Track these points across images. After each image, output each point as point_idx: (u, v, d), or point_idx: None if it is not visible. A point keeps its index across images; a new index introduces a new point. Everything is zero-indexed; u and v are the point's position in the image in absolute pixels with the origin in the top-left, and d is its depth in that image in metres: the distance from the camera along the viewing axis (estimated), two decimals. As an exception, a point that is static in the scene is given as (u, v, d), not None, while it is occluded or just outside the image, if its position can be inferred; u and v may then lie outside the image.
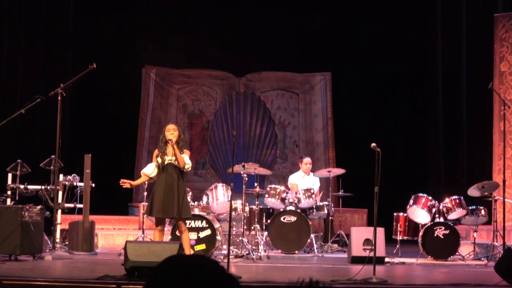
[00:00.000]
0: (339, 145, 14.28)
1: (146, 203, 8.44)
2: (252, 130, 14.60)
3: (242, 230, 9.40)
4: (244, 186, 9.26)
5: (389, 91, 13.76)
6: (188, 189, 9.35)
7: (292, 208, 10.04)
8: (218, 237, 8.92)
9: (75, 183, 9.59)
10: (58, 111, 8.62)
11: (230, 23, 13.96)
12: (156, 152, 7.58)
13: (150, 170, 7.54)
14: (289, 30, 14.11)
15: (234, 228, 9.81)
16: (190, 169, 7.60)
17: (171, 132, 7.46)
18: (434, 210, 9.73)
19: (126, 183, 7.68)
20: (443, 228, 9.52)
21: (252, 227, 9.79)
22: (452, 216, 9.76)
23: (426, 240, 9.50)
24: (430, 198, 9.76)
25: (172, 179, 7.37)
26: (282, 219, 9.96)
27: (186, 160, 7.42)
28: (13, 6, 12.71)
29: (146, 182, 9.40)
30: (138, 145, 13.96)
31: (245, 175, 9.32)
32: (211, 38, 13.92)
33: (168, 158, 7.41)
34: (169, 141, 7.38)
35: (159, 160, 7.45)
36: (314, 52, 14.31)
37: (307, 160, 10.95)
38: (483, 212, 9.81)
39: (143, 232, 9.59)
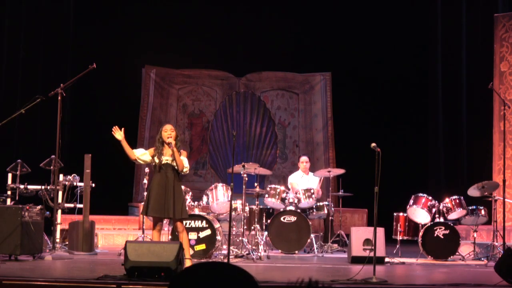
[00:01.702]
0: (339, 145, 14.28)
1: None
2: (252, 130, 14.60)
3: (242, 230, 9.39)
4: (244, 186, 9.26)
5: (389, 91, 13.76)
6: (188, 189, 9.38)
7: (292, 208, 10.04)
8: (218, 237, 8.91)
9: (75, 183, 9.59)
10: (58, 111, 8.61)
11: (230, 23, 13.96)
12: (151, 151, 7.50)
13: (139, 153, 7.50)
14: (289, 30, 14.10)
15: (234, 228, 9.81)
16: (188, 171, 7.56)
17: (169, 133, 7.39)
18: (434, 210, 9.73)
19: (118, 131, 7.47)
20: (443, 228, 9.52)
21: (252, 227, 9.78)
22: (452, 216, 9.76)
23: (426, 240, 9.50)
24: (430, 198, 9.75)
25: (168, 180, 7.33)
26: (282, 219, 9.96)
27: (185, 164, 7.36)
28: (13, 6, 12.71)
29: (146, 181, 9.44)
30: (138, 145, 13.92)
31: (245, 175, 9.32)
32: (211, 38, 13.92)
33: (165, 158, 7.36)
34: (169, 145, 7.33)
35: (156, 160, 7.40)
36: (314, 52, 14.31)
37: (304, 159, 10.96)
38: (483, 212, 9.80)
39: (143, 232, 9.58)
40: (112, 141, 13.18)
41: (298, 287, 1.82)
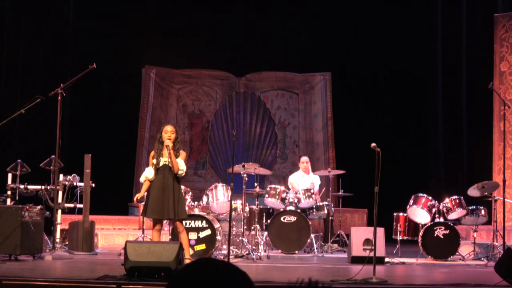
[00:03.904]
0: (339, 145, 14.29)
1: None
2: (252, 130, 14.60)
3: (242, 230, 9.39)
4: (244, 186, 9.26)
5: (389, 91, 13.76)
6: (188, 189, 9.38)
7: (292, 208, 10.04)
8: (218, 237, 8.91)
9: (75, 183, 9.59)
10: (58, 111, 8.62)
11: (230, 23, 13.96)
12: (152, 153, 7.51)
13: (151, 174, 7.44)
14: (289, 30, 14.10)
15: (234, 228, 9.81)
16: (183, 174, 7.48)
17: (169, 134, 7.36)
18: (434, 210, 9.73)
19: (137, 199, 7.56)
20: (443, 228, 9.52)
21: (252, 227, 9.79)
22: (452, 216, 9.76)
23: (426, 240, 9.50)
24: (430, 198, 9.75)
25: (167, 181, 7.32)
26: (282, 219, 9.96)
27: (180, 166, 7.33)
28: (13, 6, 12.71)
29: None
30: (138, 145, 13.95)
31: (245, 175, 9.31)
32: (211, 38, 13.92)
33: (164, 160, 7.34)
34: (166, 147, 7.31)
35: (154, 161, 7.40)
36: (314, 52, 14.31)
37: (304, 159, 10.97)
38: (483, 212, 9.81)
39: (143, 232, 9.58)
40: (112, 141, 13.26)
41: (298, 287, 1.81)
